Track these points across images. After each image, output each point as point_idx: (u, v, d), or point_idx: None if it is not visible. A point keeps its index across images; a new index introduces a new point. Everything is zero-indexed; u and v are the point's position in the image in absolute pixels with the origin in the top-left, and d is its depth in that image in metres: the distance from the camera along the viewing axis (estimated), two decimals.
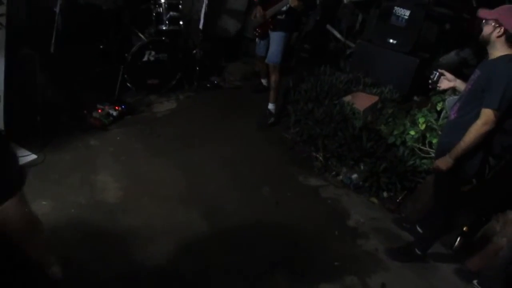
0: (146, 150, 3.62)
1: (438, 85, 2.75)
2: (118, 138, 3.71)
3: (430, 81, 2.78)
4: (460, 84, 2.69)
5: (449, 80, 2.72)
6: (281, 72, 4.25)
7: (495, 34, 2.33)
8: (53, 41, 3.33)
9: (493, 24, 2.33)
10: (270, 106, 4.37)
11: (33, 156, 3.17)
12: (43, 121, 3.31)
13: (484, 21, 2.40)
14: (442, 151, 2.58)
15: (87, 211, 2.82)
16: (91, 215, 2.78)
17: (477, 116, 2.34)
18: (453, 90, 2.82)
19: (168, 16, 4.37)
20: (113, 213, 2.86)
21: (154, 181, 3.27)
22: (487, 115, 2.30)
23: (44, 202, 2.78)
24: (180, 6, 4.48)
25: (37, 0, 3.50)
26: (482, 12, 2.41)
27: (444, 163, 2.51)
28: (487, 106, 2.30)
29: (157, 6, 4.36)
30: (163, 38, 4.39)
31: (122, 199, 3.02)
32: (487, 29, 2.36)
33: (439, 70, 2.76)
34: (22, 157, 3.10)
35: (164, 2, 4.34)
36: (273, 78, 4.24)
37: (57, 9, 3.36)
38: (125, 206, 2.95)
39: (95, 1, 4.27)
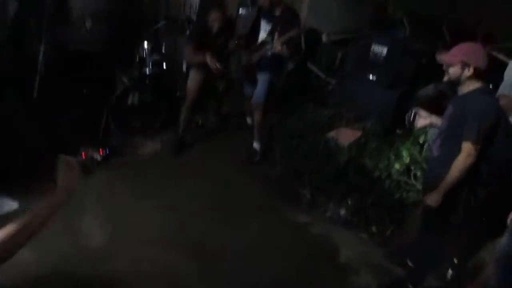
0: (131, 193, 3.57)
1: (415, 123, 2.83)
2: (102, 182, 3.65)
3: (406, 121, 2.85)
4: (435, 120, 2.76)
5: (424, 118, 2.80)
6: (265, 111, 4.30)
7: (465, 74, 2.40)
8: (36, 86, 3.33)
9: (460, 65, 2.41)
10: (255, 144, 4.39)
11: (15, 204, 3.09)
12: (25, 167, 3.26)
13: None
14: (429, 187, 2.61)
15: (72, 259, 2.74)
16: (76, 263, 2.70)
17: (458, 150, 2.39)
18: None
19: (151, 59, 4.43)
20: (99, 259, 2.78)
21: (140, 224, 3.21)
22: (468, 148, 2.36)
23: (26, 253, 2.68)
24: (163, 50, 4.55)
25: (20, 47, 3.52)
26: (445, 57, 2.49)
27: (433, 200, 2.53)
28: (466, 140, 2.36)
29: (140, 49, 4.42)
30: (147, 81, 4.43)
31: (108, 244, 2.95)
32: (454, 71, 2.43)
33: (414, 110, 2.84)
34: (3, 206, 3.02)
35: (148, 46, 4.41)
36: (258, 116, 4.28)
37: (40, 55, 3.37)
38: (112, 251, 2.88)
39: (78, 45, 4.32)
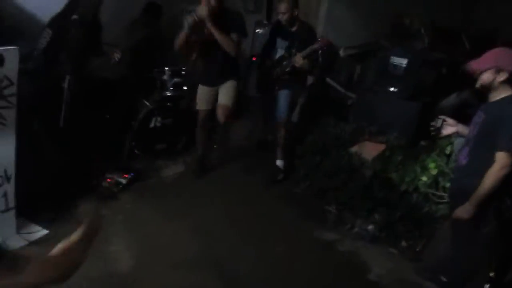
0: (156, 216, 3.58)
1: (441, 131, 2.77)
2: (128, 206, 3.69)
3: (432, 128, 2.80)
4: (462, 128, 2.70)
5: (451, 126, 2.74)
6: (288, 128, 4.29)
7: (498, 79, 2.35)
8: (62, 115, 3.41)
9: (493, 70, 2.35)
10: (279, 162, 4.37)
11: (45, 231, 3.14)
12: (52, 195, 3.32)
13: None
14: (456, 197, 2.54)
15: (99, 285, 2.74)
16: None
17: (488, 159, 2.32)
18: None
19: (172, 82, 4.50)
20: (126, 284, 2.78)
21: (166, 247, 3.21)
22: (502, 158, 2.28)
23: None
24: (183, 72, 4.62)
25: (45, 78, 3.61)
26: (477, 64, 2.44)
27: (465, 212, 2.46)
28: (501, 149, 2.29)
29: (161, 73, 4.49)
30: (168, 103, 4.49)
31: (135, 268, 2.95)
32: (487, 77, 2.38)
33: (441, 117, 2.79)
34: (33, 233, 3.08)
35: (168, 70, 4.48)
36: (281, 134, 4.27)
37: (65, 85, 3.47)
38: (138, 275, 2.87)
39: (100, 72, 4.42)
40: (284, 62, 4.12)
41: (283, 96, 4.20)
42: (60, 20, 3.58)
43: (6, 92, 2.76)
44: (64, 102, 3.46)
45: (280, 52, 4.23)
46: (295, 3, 4.00)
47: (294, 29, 4.08)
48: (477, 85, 2.45)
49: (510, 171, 2.30)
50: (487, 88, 2.41)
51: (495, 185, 2.33)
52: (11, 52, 2.73)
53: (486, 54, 2.43)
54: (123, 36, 4.68)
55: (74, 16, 3.53)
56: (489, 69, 2.36)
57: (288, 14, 3.97)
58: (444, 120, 2.76)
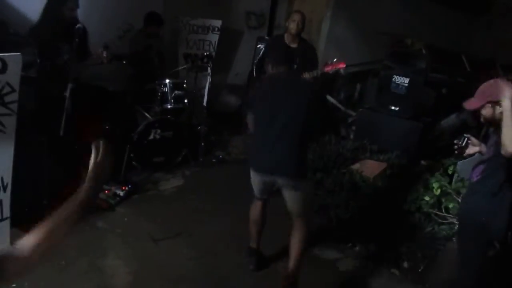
0: (154, 230, 3.50)
1: (465, 150, 2.75)
2: (125, 219, 3.61)
3: (456, 146, 2.76)
4: (483, 148, 2.69)
5: (474, 145, 2.72)
6: None
7: (497, 111, 2.35)
8: (62, 124, 3.35)
9: (489, 105, 2.36)
10: None
11: None
12: (49, 205, 3.23)
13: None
14: (467, 213, 2.51)
15: None
16: None
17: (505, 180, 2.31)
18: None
19: (173, 95, 4.47)
20: None
21: (164, 263, 3.13)
22: None
23: None
24: (184, 85, 4.59)
25: (46, 86, 3.56)
26: (471, 104, 2.45)
27: None
28: None
29: (162, 86, 4.46)
30: (169, 116, 4.45)
31: (132, 284, 2.87)
32: (486, 112, 2.38)
33: (466, 135, 2.76)
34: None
35: (169, 82, 4.45)
36: None
37: (67, 94, 3.42)
38: None
39: (101, 83, 4.38)
40: None
41: None
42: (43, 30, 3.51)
43: (7, 99, 2.70)
44: (64, 111, 3.40)
45: None
46: (304, 19, 4.04)
47: (295, 45, 4.08)
48: (482, 120, 2.45)
49: None
50: (491, 123, 2.42)
51: None
52: (14, 58, 2.68)
53: (476, 92, 2.44)
54: (125, 47, 4.67)
55: (79, 25, 3.51)
56: (485, 105, 2.37)
57: (299, 25, 3.99)
58: (468, 139, 2.74)
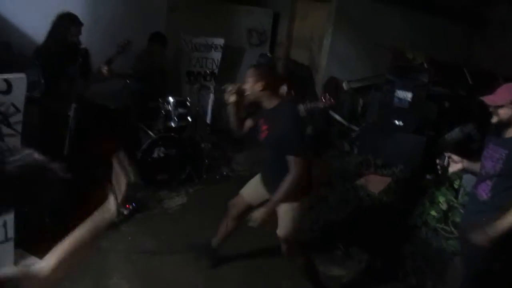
0: (159, 249, 3.48)
1: (448, 169, 2.71)
2: (129, 237, 3.59)
3: (438, 166, 2.73)
4: (467, 164, 2.64)
5: (456, 162, 2.68)
6: None
7: None
8: (66, 143, 3.36)
9: (510, 106, 2.32)
10: None
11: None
12: (53, 225, 3.22)
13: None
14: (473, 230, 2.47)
15: None
16: None
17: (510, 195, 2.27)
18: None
19: (176, 113, 4.48)
20: None
21: (168, 282, 3.10)
22: None
23: None
24: (188, 103, 4.61)
25: (50, 105, 3.59)
26: (492, 99, 2.41)
27: (485, 238, 2.35)
28: None
29: (165, 104, 4.48)
30: (172, 134, 4.46)
31: None
32: (505, 112, 2.34)
33: (446, 154, 2.72)
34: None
35: (173, 100, 4.47)
36: None
37: (71, 113, 3.44)
38: None
39: (103, 101, 4.40)
40: None
41: None
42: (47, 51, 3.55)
43: (12, 120, 2.73)
44: (68, 130, 3.41)
45: None
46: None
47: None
48: (494, 120, 2.40)
49: None
50: (505, 124, 2.38)
51: None
52: (18, 79, 2.71)
53: (502, 88, 2.40)
54: (127, 63, 4.68)
55: (83, 46, 3.55)
56: (506, 104, 2.33)
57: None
58: (449, 157, 2.69)
